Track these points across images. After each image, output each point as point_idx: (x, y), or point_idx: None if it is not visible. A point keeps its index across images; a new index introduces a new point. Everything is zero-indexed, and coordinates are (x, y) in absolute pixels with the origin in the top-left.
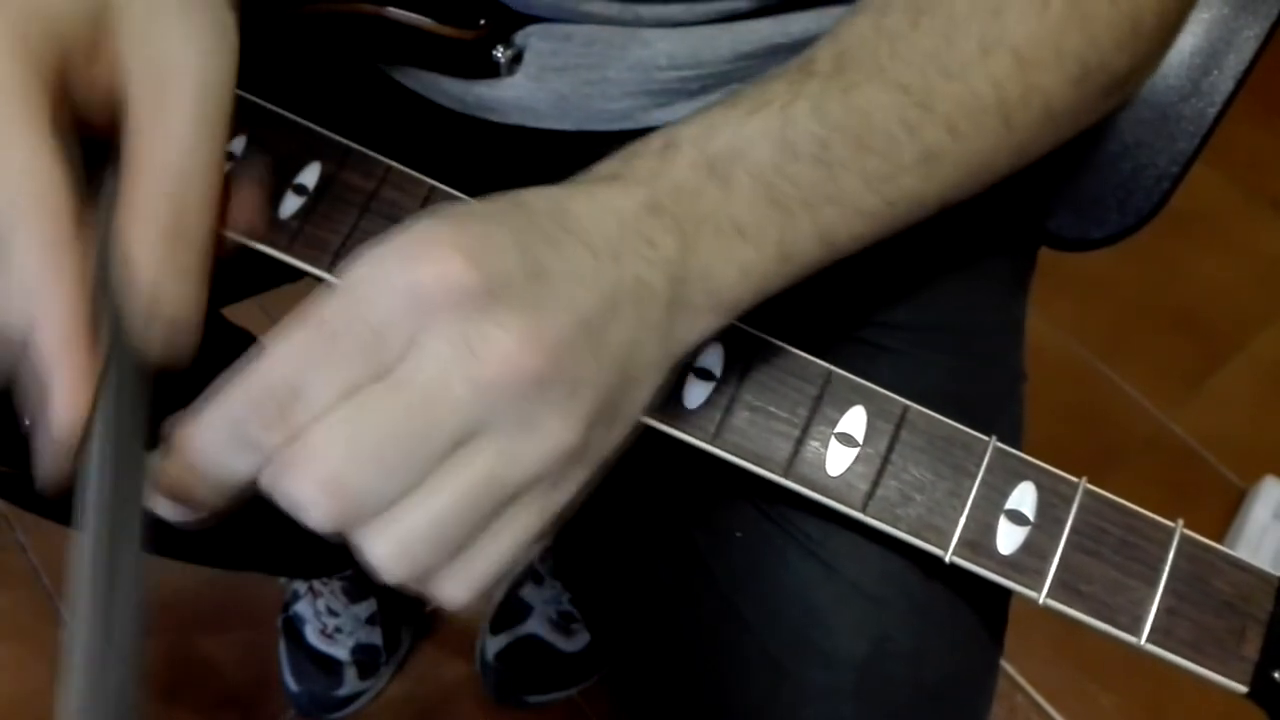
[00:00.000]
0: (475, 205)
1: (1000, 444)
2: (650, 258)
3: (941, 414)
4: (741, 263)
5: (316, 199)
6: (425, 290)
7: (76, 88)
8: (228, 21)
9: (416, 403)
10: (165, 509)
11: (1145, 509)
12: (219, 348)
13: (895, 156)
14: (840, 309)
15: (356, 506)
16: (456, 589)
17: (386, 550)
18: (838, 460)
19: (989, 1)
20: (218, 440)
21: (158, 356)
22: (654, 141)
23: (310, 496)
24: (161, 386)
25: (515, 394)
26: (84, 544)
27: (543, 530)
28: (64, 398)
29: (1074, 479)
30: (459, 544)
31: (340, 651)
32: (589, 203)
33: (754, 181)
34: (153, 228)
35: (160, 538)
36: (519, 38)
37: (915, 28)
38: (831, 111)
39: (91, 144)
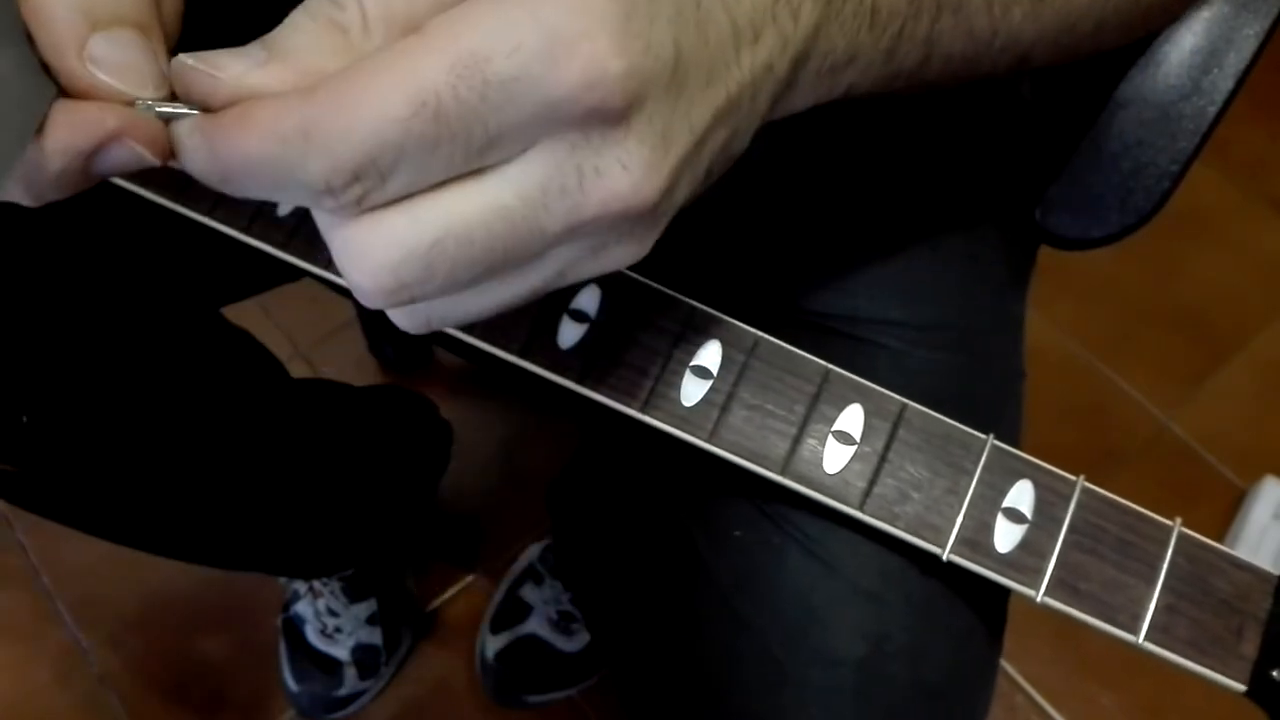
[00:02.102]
0: None
1: (998, 442)
2: (788, 35)
3: (940, 412)
4: (858, 45)
5: None
6: (565, 106)
7: None
8: None
9: (501, 230)
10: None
11: (1145, 508)
12: (219, 348)
13: None
14: (838, 307)
15: (406, 301)
16: (419, 319)
17: (410, 325)
18: (835, 458)
19: None
20: (267, 169)
21: None
22: None
23: (361, 282)
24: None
25: (607, 230)
26: None
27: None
28: None
29: (1072, 477)
30: (455, 275)
31: (340, 651)
32: None
33: None
34: None
35: (161, 538)
36: None
37: None
38: None
39: None
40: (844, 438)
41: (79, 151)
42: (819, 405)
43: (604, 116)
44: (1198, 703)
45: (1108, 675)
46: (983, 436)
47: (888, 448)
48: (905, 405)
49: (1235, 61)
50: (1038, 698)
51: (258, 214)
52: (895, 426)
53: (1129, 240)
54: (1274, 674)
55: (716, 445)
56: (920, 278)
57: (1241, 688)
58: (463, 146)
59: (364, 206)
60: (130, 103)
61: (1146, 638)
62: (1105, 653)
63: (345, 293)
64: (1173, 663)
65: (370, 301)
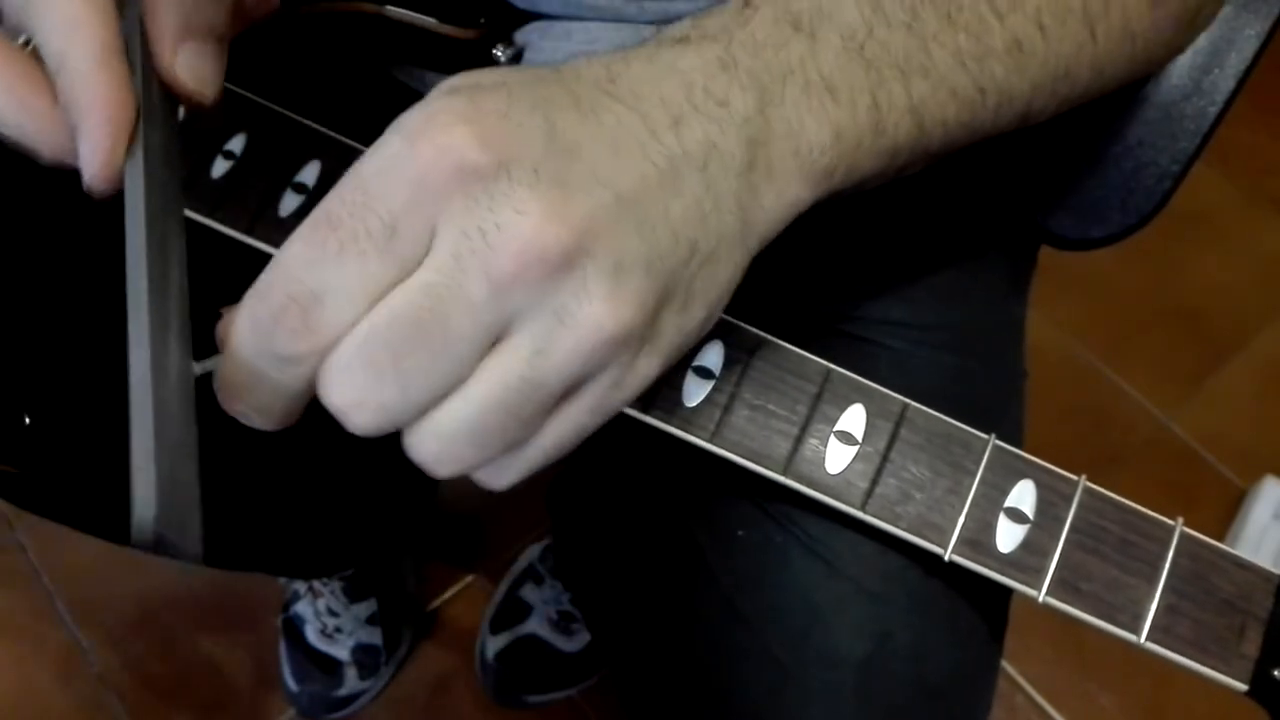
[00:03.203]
0: (501, 73)
1: (999, 442)
2: (720, 118)
3: (941, 412)
4: (834, 123)
5: (316, 197)
6: (431, 174)
7: None
8: None
9: (433, 306)
10: (242, 414)
11: (1145, 508)
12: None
13: (985, 39)
14: (840, 307)
15: (391, 417)
16: (502, 479)
17: (429, 451)
18: (837, 458)
19: None
20: (252, 353)
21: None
22: (731, 2)
23: (345, 411)
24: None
25: (540, 284)
26: (134, 243)
27: (601, 423)
28: (107, 96)
29: (1073, 477)
30: (505, 442)
31: (340, 651)
32: (647, 65)
33: (843, 41)
34: (176, 20)
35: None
36: (519, 36)
37: None
38: None
39: None
40: (846, 438)
41: None
42: (821, 405)
43: (476, 174)
44: (1198, 703)
45: (1108, 675)
46: (984, 436)
47: (890, 448)
48: (907, 405)
49: (1236, 62)
50: (1038, 698)
51: (259, 215)
52: (897, 426)
53: (1129, 240)
54: (1275, 673)
55: (719, 445)
56: (922, 278)
57: (1243, 687)
58: (367, 245)
59: (318, 340)
60: None
61: (1148, 637)
62: (1105, 653)
63: None
64: (1174, 662)
65: (360, 427)
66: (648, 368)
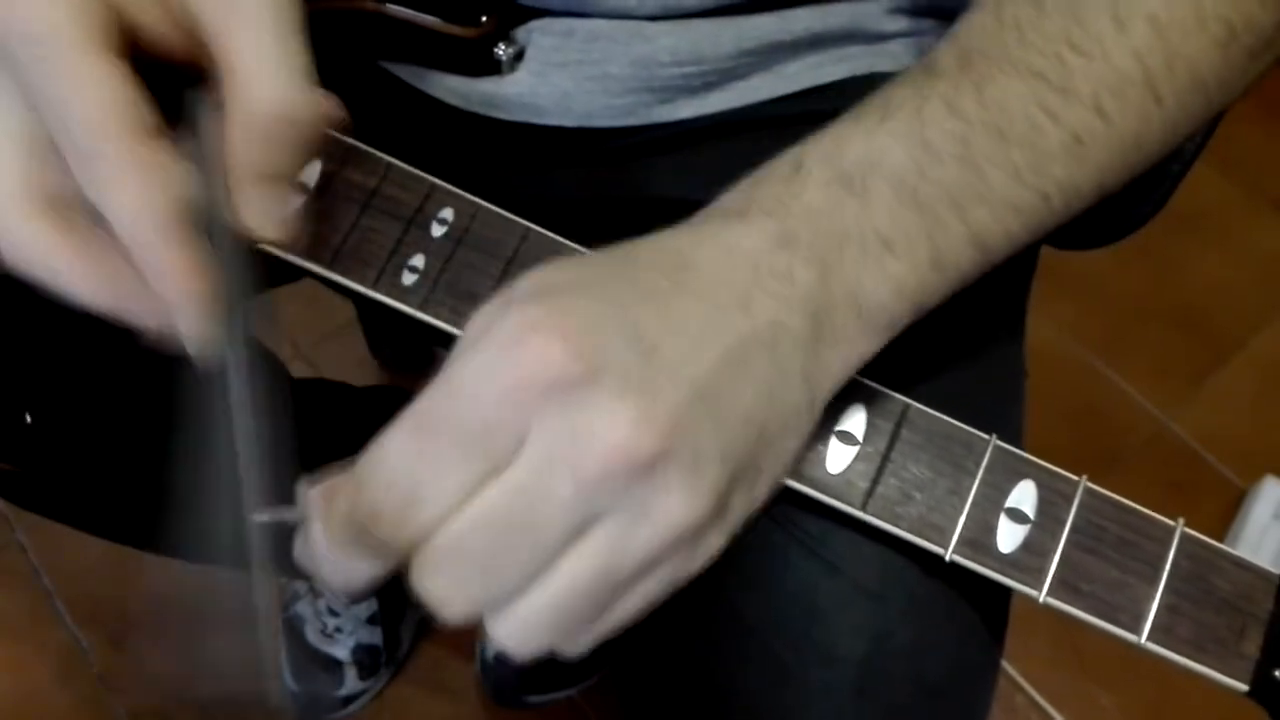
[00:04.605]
0: (581, 269)
1: (1000, 442)
2: (786, 296)
3: (942, 413)
4: (894, 278)
5: (317, 196)
6: (526, 384)
7: (141, 14)
8: None
9: (520, 506)
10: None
11: (1146, 508)
12: None
13: (1041, 145)
14: None
15: (480, 607)
16: (575, 649)
17: (512, 637)
18: (837, 458)
19: None
20: (344, 538)
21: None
22: (781, 165)
23: (439, 603)
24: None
25: (625, 483)
26: (230, 398)
27: (670, 593)
28: (176, 267)
29: (1074, 477)
30: (580, 623)
31: (340, 651)
32: (712, 247)
33: (895, 189)
34: (249, 171)
35: (161, 538)
36: (520, 34)
37: (1040, 11)
38: (966, 108)
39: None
40: (846, 438)
41: None
42: None
43: (567, 383)
44: (1198, 703)
45: (1108, 675)
46: (985, 437)
47: (890, 448)
48: (908, 405)
49: None
50: (1038, 698)
51: None
52: (898, 427)
53: (1129, 240)
54: (1276, 674)
55: None
56: None
57: (1243, 687)
58: (465, 450)
59: (413, 534)
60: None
61: (1149, 638)
62: (1105, 653)
63: (346, 292)
64: (1174, 662)
65: (452, 617)
66: (716, 543)
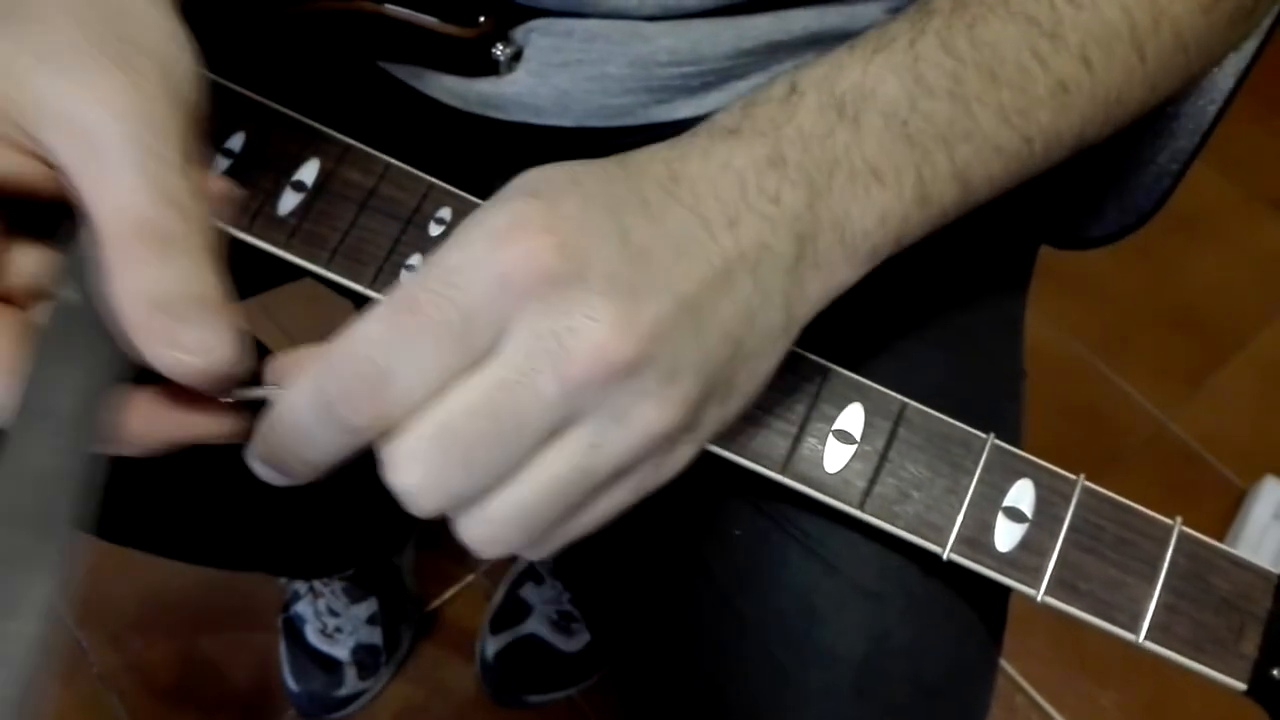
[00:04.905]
0: (576, 172)
1: (998, 441)
2: (773, 216)
3: (940, 412)
4: (879, 207)
5: (315, 196)
6: (512, 277)
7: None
8: (160, 50)
9: (503, 401)
10: (261, 471)
11: (1144, 508)
12: None
13: (1029, 89)
14: (837, 306)
15: (454, 501)
16: (541, 553)
17: (479, 534)
18: (835, 457)
19: None
20: (310, 417)
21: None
22: (777, 87)
23: (410, 492)
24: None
25: (605, 387)
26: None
27: (638, 501)
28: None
29: (1072, 476)
30: (550, 526)
31: (340, 651)
32: (703, 162)
33: (886, 120)
34: (139, 309)
35: (161, 538)
36: (519, 35)
37: None
38: (959, 45)
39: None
40: (844, 437)
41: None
42: (819, 404)
43: (553, 280)
44: (1197, 703)
45: (1108, 675)
46: (983, 436)
47: (888, 447)
48: (906, 404)
49: (1236, 61)
50: (1038, 698)
51: (258, 213)
52: (896, 426)
53: (1129, 240)
54: (1274, 673)
55: (717, 445)
56: (920, 277)
57: (1242, 686)
58: (443, 332)
59: (382, 416)
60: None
61: (1147, 637)
62: (1105, 653)
63: (345, 292)
64: (1173, 661)
65: (424, 509)
66: (686, 454)
